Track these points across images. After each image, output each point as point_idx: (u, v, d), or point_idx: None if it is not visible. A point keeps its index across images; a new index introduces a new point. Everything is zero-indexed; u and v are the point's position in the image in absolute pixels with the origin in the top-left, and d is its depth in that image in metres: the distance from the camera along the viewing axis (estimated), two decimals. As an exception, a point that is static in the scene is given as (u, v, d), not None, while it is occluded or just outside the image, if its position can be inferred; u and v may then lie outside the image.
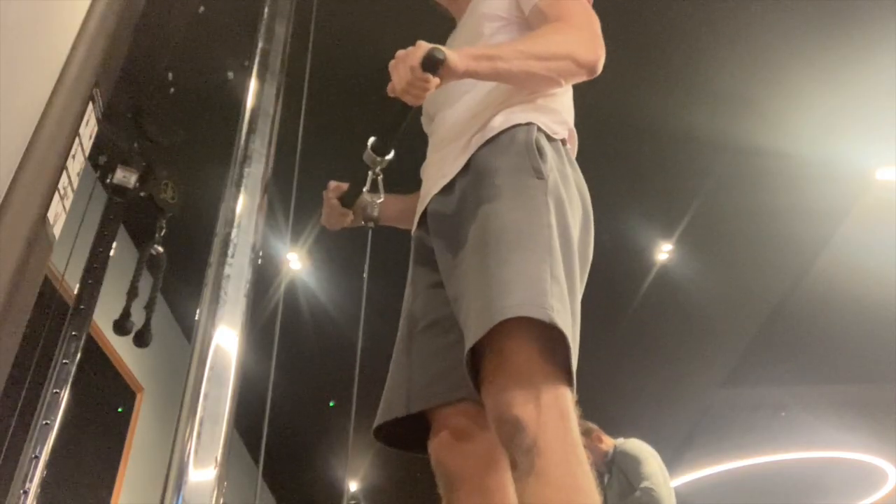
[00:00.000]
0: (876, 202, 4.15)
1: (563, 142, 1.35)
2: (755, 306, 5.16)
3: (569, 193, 1.25)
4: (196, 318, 1.30)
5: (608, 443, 3.67)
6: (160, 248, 2.39)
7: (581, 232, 1.27)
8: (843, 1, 3.14)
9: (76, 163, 1.20)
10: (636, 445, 3.61)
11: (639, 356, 5.65)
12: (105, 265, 2.29)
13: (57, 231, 1.16)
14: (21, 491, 1.91)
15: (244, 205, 1.44)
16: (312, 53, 1.96)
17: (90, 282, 2.24)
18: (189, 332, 2.88)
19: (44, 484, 1.97)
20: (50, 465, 1.98)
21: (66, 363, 2.08)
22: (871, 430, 6.46)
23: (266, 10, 1.79)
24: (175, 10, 2.19)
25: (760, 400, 6.27)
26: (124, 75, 2.08)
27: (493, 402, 1.07)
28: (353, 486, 7.23)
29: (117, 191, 2.30)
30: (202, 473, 1.11)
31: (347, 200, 1.47)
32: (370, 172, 1.38)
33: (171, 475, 1.11)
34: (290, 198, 1.78)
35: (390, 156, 1.35)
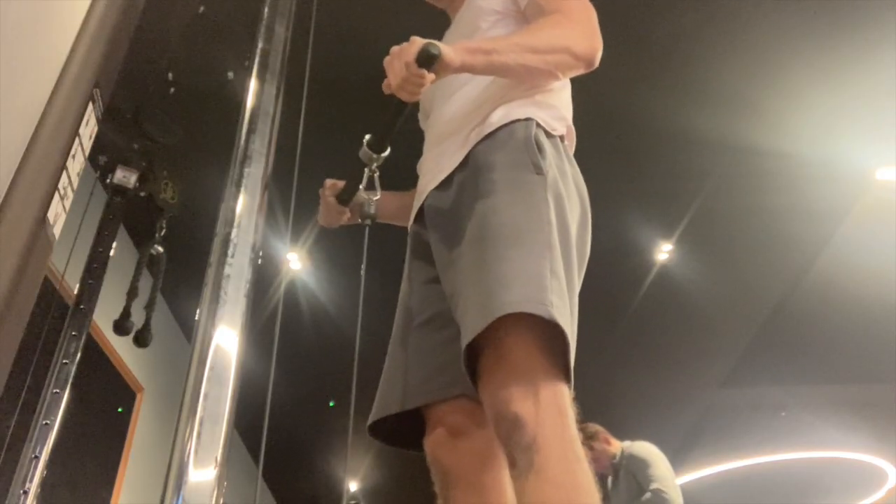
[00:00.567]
0: (876, 202, 4.16)
1: (562, 138, 1.35)
2: (755, 306, 5.16)
3: (567, 190, 1.25)
4: (196, 318, 1.30)
5: (615, 445, 3.67)
6: (160, 248, 2.39)
7: (579, 228, 1.26)
8: (843, 1, 3.14)
9: (76, 163, 1.20)
10: (645, 448, 3.61)
11: (639, 356, 5.65)
12: (105, 265, 2.29)
13: (57, 231, 1.16)
14: (21, 491, 1.91)
15: (244, 205, 1.44)
16: (312, 53, 1.96)
17: (90, 282, 2.24)
18: (189, 332, 2.88)
19: (44, 484, 1.97)
20: (50, 465, 1.98)
21: (66, 363, 2.08)
22: (871, 430, 6.46)
23: (266, 10, 1.79)
24: (175, 10, 2.20)
25: (760, 400, 6.27)
26: (124, 75, 2.08)
27: (492, 398, 1.06)
28: (352, 485, 7.23)
29: (117, 191, 2.30)
30: (202, 473, 1.11)
31: (344, 198, 1.47)
32: (366, 169, 1.37)
33: (171, 475, 1.11)
34: (290, 198, 1.78)
35: (386, 153, 1.35)
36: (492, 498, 1.21)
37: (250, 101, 1.62)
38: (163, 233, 2.40)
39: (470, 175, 1.27)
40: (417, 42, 1.17)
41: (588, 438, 3.59)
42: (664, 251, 4.63)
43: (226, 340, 1.25)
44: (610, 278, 4.60)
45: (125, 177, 2.28)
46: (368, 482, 7.17)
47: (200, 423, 1.15)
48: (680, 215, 4.32)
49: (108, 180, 2.32)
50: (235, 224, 1.40)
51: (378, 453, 5.97)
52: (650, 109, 3.65)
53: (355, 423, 1.53)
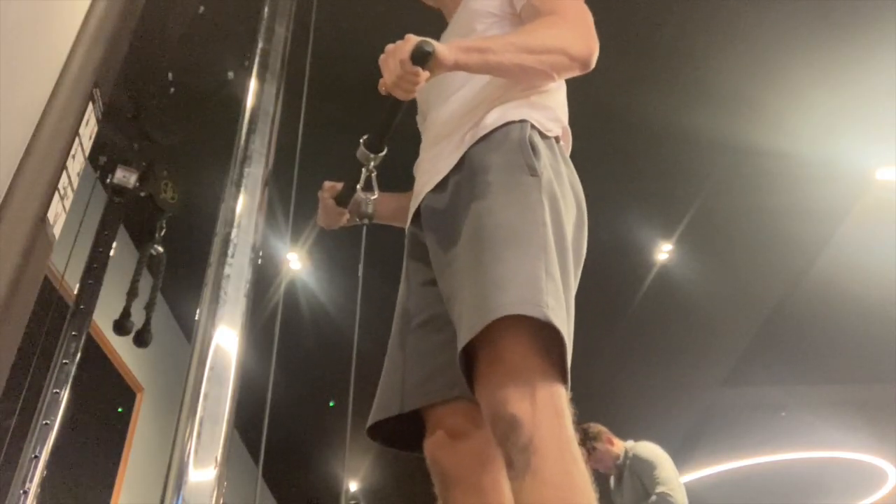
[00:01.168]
0: (876, 202, 4.16)
1: (557, 139, 1.35)
2: (755, 306, 5.16)
3: (563, 190, 1.25)
4: (196, 318, 1.30)
5: (618, 445, 3.66)
6: (160, 248, 2.39)
7: (575, 229, 1.27)
8: (843, 1, 3.14)
9: (76, 163, 1.20)
10: (650, 449, 3.60)
11: (639, 356, 5.65)
12: (105, 265, 2.29)
13: (57, 231, 1.16)
14: (21, 491, 1.91)
15: (244, 205, 1.44)
16: (312, 53, 1.96)
17: (90, 282, 2.24)
18: (189, 332, 2.88)
19: (44, 484, 1.97)
20: (50, 465, 1.97)
21: (66, 363, 2.08)
22: (871, 430, 6.47)
23: (266, 10, 1.79)
24: (175, 10, 2.20)
25: (760, 400, 6.28)
26: (124, 75, 2.09)
27: (488, 399, 1.06)
28: (352, 485, 7.23)
29: (117, 191, 2.30)
30: (202, 473, 1.11)
31: (342, 199, 1.48)
32: (364, 169, 1.37)
33: (171, 475, 1.11)
34: (290, 198, 1.78)
35: (383, 153, 1.35)
36: (491, 499, 1.21)
37: (250, 101, 1.62)
38: (163, 233, 2.40)
39: (465, 177, 1.27)
40: (412, 40, 1.17)
41: (591, 439, 3.59)
42: (664, 251, 4.64)
43: (226, 340, 1.25)
44: (610, 278, 4.60)
45: (125, 177, 2.28)
46: (368, 482, 7.17)
47: (200, 423, 1.15)
48: (680, 215, 4.32)
49: (108, 180, 2.32)
50: (235, 224, 1.40)
51: (378, 453, 5.97)
52: (650, 109, 3.65)
53: (354, 423, 1.52)
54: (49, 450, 1.97)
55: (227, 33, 2.32)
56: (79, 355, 2.11)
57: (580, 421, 1.08)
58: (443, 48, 1.19)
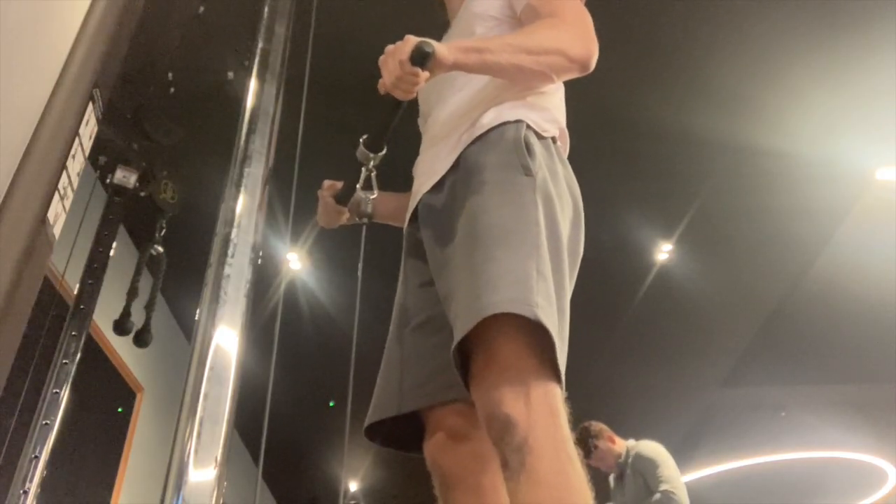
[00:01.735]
0: (876, 202, 4.16)
1: (554, 139, 1.35)
2: (755, 306, 5.16)
3: (558, 191, 1.25)
4: (196, 318, 1.30)
5: (620, 444, 3.66)
6: (160, 248, 2.39)
7: (572, 229, 1.26)
8: (843, 1, 3.14)
9: (76, 163, 1.20)
10: (652, 448, 3.60)
11: (639, 356, 5.65)
12: (105, 265, 2.29)
13: (57, 231, 1.16)
14: (21, 491, 1.91)
15: (244, 205, 1.44)
16: (312, 53, 1.96)
17: (90, 282, 2.24)
18: (189, 332, 2.88)
19: (44, 484, 1.97)
20: (50, 465, 1.98)
21: (66, 363, 2.08)
22: (871, 430, 6.47)
23: (266, 10, 1.79)
24: (175, 10, 2.20)
25: (760, 400, 6.28)
26: (124, 75, 2.09)
27: (483, 399, 1.06)
28: (352, 485, 7.23)
29: (117, 191, 2.30)
30: (202, 473, 1.11)
31: (342, 198, 1.48)
32: (363, 169, 1.38)
33: (171, 475, 1.11)
34: (290, 198, 1.78)
35: (383, 152, 1.35)
36: (491, 500, 1.21)
37: (250, 101, 1.63)
38: (163, 233, 2.40)
39: (461, 177, 1.28)
40: (411, 40, 1.18)
41: (593, 437, 3.58)
42: (664, 251, 4.64)
43: (226, 340, 1.26)
44: (610, 278, 4.60)
45: (125, 177, 2.28)
46: (368, 482, 7.17)
47: (200, 423, 1.15)
48: (680, 215, 4.32)
49: (108, 180, 2.32)
50: (235, 224, 1.40)
51: (378, 453, 5.96)
52: (650, 110, 3.65)
53: (353, 423, 1.52)
54: (49, 450, 1.97)
55: (227, 33, 2.32)
56: (79, 355, 2.12)
57: (579, 420, 1.08)
58: (442, 48, 1.19)
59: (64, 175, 1.14)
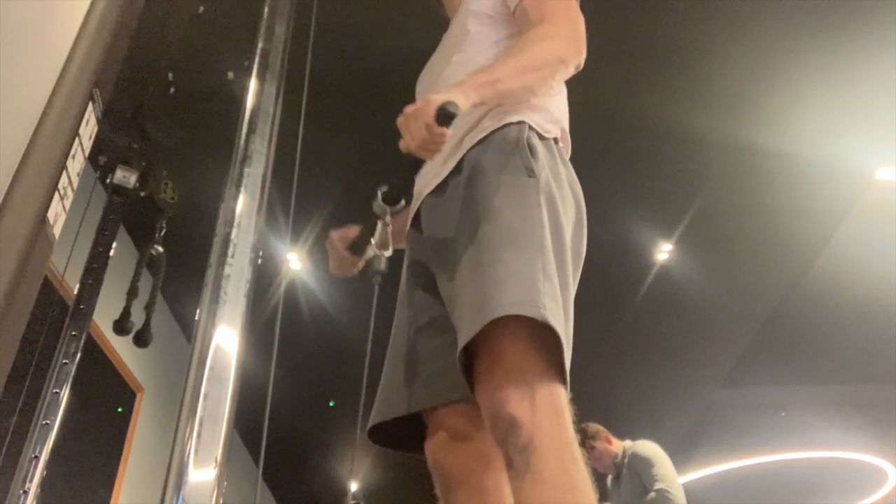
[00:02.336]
0: (876, 202, 4.16)
1: (556, 140, 1.36)
2: (755, 306, 5.16)
3: (561, 192, 1.26)
4: (196, 318, 1.30)
5: (616, 444, 3.68)
6: (160, 248, 2.39)
7: (574, 230, 1.27)
8: (843, 1, 3.14)
9: (76, 163, 1.20)
10: (648, 447, 3.62)
11: (639, 356, 5.65)
12: (105, 265, 2.28)
13: (57, 231, 1.16)
14: (21, 491, 1.91)
15: (244, 205, 1.44)
16: (312, 53, 1.96)
17: (90, 282, 2.24)
18: (189, 332, 2.88)
19: (44, 484, 1.97)
20: (50, 465, 1.97)
21: (66, 363, 2.08)
22: (871, 430, 6.47)
23: (266, 10, 1.79)
24: (175, 10, 2.20)
25: (760, 400, 6.28)
26: (124, 75, 2.08)
27: (488, 400, 1.07)
28: (353, 485, 7.24)
29: (117, 191, 2.30)
30: (202, 473, 1.11)
31: (357, 248, 1.44)
32: (380, 223, 1.33)
33: (171, 475, 1.11)
34: (290, 198, 1.78)
35: (401, 205, 1.31)
36: (493, 500, 1.21)
37: (250, 101, 1.62)
38: (163, 233, 2.40)
39: (464, 179, 1.28)
40: (434, 102, 1.14)
41: (590, 438, 3.60)
42: (664, 251, 4.64)
43: (226, 340, 1.26)
44: (610, 278, 4.60)
45: (125, 177, 2.28)
46: (368, 482, 7.17)
47: (200, 423, 1.15)
48: (680, 215, 4.33)
49: (108, 180, 2.31)
50: (235, 224, 1.40)
51: (378, 453, 5.96)
52: (650, 110, 3.65)
53: (356, 423, 1.53)
54: (49, 450, 1.96)
55: (227, 33, 2.32)
56: (79, 355, 2.11)
57: (579, 420, 1.08)
58: (462, 100, 1.17)
59: (64, 175, 1.14)
